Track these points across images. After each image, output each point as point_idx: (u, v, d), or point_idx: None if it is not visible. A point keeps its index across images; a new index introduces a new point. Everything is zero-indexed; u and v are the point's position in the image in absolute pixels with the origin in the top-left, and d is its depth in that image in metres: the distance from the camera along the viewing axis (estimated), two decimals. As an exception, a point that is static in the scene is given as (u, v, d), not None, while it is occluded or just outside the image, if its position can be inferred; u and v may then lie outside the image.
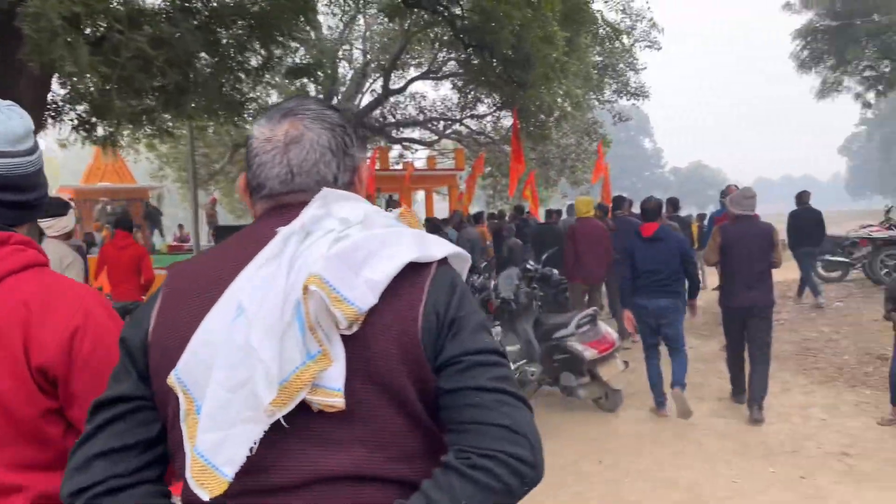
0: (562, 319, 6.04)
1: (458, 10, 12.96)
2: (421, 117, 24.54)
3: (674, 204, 11.41)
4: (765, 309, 5.50)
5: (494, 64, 12.97)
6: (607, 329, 5.94)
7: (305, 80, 14.50)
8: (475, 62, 13.96)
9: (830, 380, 6.52)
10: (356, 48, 23.93)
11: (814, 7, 20.64)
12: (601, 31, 12.48)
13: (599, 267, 7.78)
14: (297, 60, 12.27)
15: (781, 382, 6.51)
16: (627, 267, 5.80)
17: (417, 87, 25.48)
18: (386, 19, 18.74)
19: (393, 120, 24.82)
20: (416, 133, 27.06)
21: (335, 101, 23.36)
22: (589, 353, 5.65)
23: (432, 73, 22.05)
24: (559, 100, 13.74)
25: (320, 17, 22.45)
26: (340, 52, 23.51)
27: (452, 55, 17.72)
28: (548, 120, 14.06)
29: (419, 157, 26.92)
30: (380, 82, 22.32)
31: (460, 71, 18.56)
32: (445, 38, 15.16)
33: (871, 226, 13.70)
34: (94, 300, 1.26)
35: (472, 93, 20.63)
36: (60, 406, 1.20)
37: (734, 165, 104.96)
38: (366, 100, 24.87)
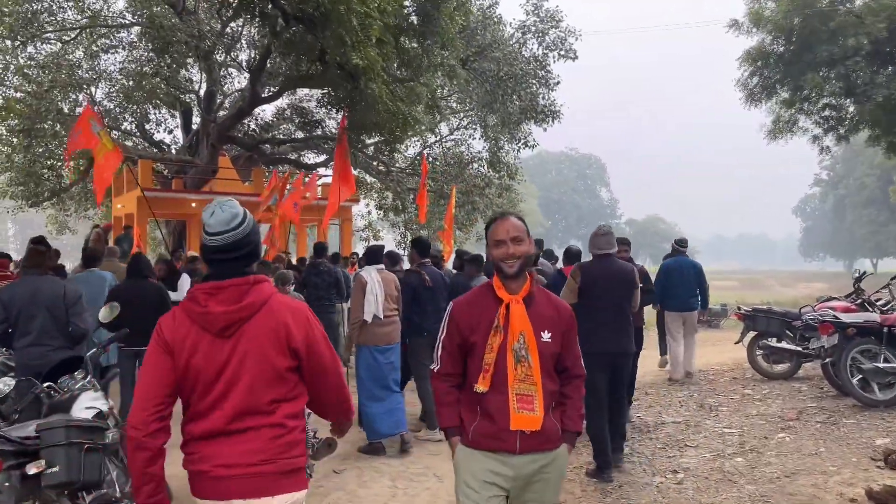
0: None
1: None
2: (300, 135, 20.14)
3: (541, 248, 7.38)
4: (629, 355, 5.24)
5: (291, 26, 8.73)
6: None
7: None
8: (284, 33, 9.65)
9: None
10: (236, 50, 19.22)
11: (765, 27, 17.05)
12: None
13: None
14: None
15: None
16: None
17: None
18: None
19: (268, 135, 20.33)
20: (322, 156, 22.74)
21: (221, 112, 18.90)
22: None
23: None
24: (385, 90, 9.30)
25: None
26: (219, 55, 18.52)
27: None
28: (388, 126, 9.77)
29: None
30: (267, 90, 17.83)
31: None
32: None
33: (835, 299, 9.60)
34: (307, 310, 2.27)
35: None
36: (297, 365, 2.19)
37: (690, 220, 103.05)
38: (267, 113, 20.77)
